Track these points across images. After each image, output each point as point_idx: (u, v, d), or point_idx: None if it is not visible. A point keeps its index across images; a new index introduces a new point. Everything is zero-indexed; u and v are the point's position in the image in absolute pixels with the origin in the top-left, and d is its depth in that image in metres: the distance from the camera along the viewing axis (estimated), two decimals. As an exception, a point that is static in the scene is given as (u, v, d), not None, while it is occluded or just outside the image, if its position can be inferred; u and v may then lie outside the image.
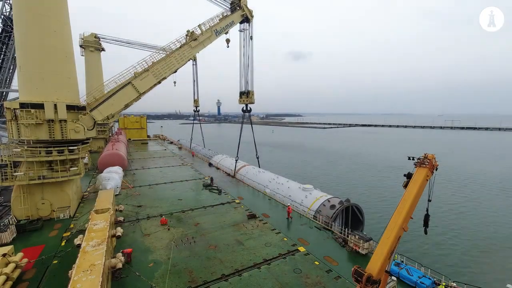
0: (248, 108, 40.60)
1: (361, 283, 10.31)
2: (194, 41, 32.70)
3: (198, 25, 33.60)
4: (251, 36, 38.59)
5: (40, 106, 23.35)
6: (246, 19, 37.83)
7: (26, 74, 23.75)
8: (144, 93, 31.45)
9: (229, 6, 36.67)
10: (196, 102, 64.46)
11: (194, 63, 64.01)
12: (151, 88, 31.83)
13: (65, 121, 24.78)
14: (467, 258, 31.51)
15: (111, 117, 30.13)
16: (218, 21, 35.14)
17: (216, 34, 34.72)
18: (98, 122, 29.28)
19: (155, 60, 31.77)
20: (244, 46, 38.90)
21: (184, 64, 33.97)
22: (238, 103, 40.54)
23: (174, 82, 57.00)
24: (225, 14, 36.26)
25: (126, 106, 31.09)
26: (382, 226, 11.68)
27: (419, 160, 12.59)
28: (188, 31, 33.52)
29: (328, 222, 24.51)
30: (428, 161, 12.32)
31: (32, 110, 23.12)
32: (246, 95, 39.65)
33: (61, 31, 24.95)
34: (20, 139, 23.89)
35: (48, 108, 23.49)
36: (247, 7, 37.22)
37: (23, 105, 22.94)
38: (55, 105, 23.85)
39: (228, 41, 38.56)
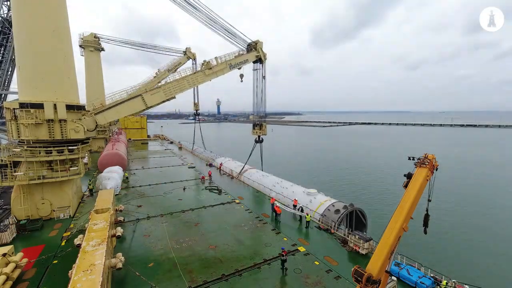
0: (261, 139, 42.61)
1: (361, 283, 10.30)
2: (208, 69, 35.21)
3: (215, 57, 36.42)
4: (263, 76, 40.93)
5: (39, 106, 23.32)
6: (260, 60, 40.54)
7: (26, 74, 23.70)
8: (151, 107, 32.52)
9: (246, 47, 39.92)
10: (196, 105, 64.27)
11: (194, 63, 63.58)
12: (158, 104, 33.17)
13: (64, 121, 24.78)
14: (468, 258, 31.51)
15: (114, 123, 30.58)
16: (233, 57, 38.19)
17: (230, 68, 37.31)
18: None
19: (168, 80, 34.04)
20: (257, 86, 41.20)
21: (193, 87, 37.31)
22: (251, 134, 43.01)
23: None
24: (241, 53, 39.45)
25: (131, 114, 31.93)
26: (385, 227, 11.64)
27: (419, 160, 12.55)
28: (204, 61, 36.53)
29: (332, 226, 24.46)
30: (428, 161, 12.29)
31: (32, 110, 23.10)
32: (259, 127, 41.80)
33: (60, 31, 24.89)
34: (20, 139, 23.86)
35: (47, 108, 23.47)
36: (262, 50, 39.98)
37: (22, 105, 22.93)
38: (55, 105, 23.84)
39: (242, 76, 40.82)
